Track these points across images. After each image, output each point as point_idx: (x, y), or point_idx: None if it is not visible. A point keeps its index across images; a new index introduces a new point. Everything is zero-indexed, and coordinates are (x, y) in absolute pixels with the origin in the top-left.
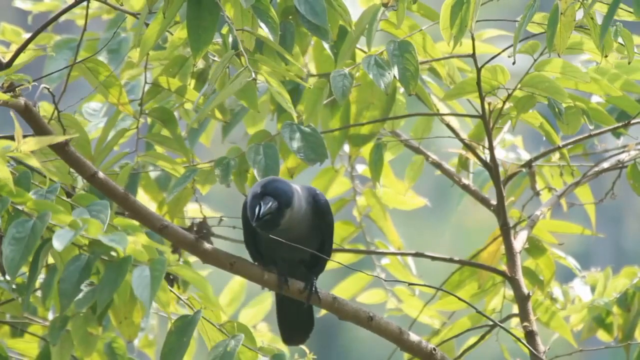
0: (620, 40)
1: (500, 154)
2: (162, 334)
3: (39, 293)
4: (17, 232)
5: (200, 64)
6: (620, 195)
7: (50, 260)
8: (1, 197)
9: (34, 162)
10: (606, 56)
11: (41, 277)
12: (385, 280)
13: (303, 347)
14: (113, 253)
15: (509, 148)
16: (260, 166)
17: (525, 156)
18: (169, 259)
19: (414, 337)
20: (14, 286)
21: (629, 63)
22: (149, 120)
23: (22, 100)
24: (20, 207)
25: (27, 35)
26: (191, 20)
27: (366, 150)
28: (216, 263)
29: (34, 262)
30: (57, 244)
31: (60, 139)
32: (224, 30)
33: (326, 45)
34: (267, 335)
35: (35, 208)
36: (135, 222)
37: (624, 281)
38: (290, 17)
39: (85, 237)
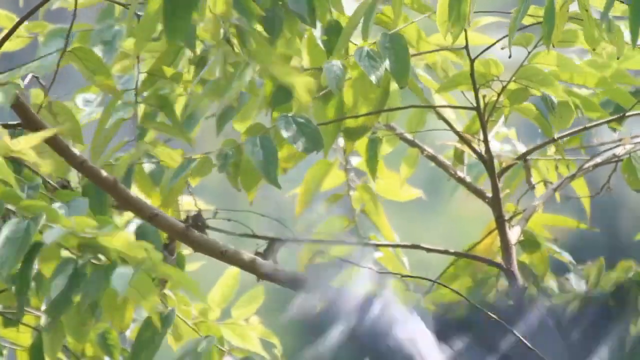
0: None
1: (495, 146)
2: None
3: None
4: (11, 233)
5: (198, 51)
6: (613, 190)
7: None
8: None
9: (31, 158)
10: (594, 49)
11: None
12: (379, 272)
13: (276, 352)
14: (101, 256)
15: (504, 140)
16: (258, 158)
17: (521, 148)
18: (155, 259)
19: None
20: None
21: (618, 58)
22: (143, 111)
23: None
24: (12, 209)
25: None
26: (167, 11)
27: (360, 144)
28: (207, 252)
29: (26, 263)
30: (48, 239)
31: (49, 133)
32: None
33: (317, 35)
34: (259, 328)
35: (28, 209)
36: (117, 222)
37: (618, 274)
38: (281, 2)
39: (78, 235)
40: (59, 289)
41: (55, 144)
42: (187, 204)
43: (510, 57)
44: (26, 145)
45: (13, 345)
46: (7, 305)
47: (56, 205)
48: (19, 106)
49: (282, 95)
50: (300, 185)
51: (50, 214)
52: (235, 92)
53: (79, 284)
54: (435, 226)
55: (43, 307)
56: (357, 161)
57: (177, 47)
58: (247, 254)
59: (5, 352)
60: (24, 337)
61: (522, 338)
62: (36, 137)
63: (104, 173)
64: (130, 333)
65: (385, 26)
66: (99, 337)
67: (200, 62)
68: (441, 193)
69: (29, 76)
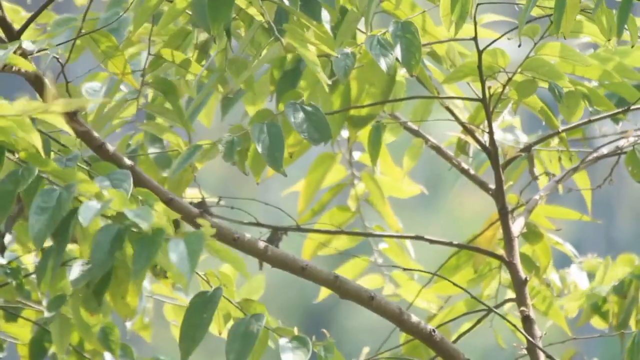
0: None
1: (498, 134)
2: (157, 317)
3: (32, 277)
4: (43, 202)
5: (203, 36)
6: (612, 185)
7: (47, 243)
8: (28, 166)
9: (63, 125)
10: (609, 40)
11: (35, 260)
12: (381, 266)
13: (324, 331)
14: (141, 224)
15: (507, 129)
16: (264, 145)
17: (523, 138)
18: (205, 233)
19: (413, 318)
20: (8, 270)
21: (632, 46)
22: (150, 96)
23: (32, 68)
24: (44, 176)
25: (26, 14)
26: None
27: (364, 134)
28: (220, 237)
29: (62, 232)
30: (82, 218)
31: (86, 102)
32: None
33: (327, 25)
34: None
35: (60, 177)
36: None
37: (622, 269)
38: None
39: (112, 209)
40: (101, 250)
41: (74, 125)
42: (191, 195)
43: (520, 45)
44: (57, 109)
45: (14, 340)
46: (7, 299)
47: (99, 179)
48: (40, 87)
49: (288, 81)
50: (301, 180)
51: (84, 182)
52: (258, 66)
53: (121, 246)
54: (434, 224)
55: (44, 302)
56: (359, 155)
57: (185, 30)
58: (261, 242)
59: (4, 345)
60: (25, 331)
61: (529, 338)
62: (69, 103)
63: (122, 156)
64: (133, 325)
65: (394, 13)
66: (100, 332)
67: (204, 47)
68: (440, 192)
69: (49, 58)
